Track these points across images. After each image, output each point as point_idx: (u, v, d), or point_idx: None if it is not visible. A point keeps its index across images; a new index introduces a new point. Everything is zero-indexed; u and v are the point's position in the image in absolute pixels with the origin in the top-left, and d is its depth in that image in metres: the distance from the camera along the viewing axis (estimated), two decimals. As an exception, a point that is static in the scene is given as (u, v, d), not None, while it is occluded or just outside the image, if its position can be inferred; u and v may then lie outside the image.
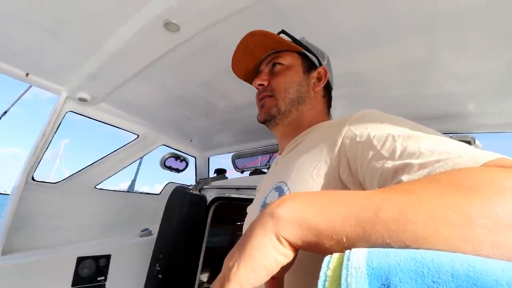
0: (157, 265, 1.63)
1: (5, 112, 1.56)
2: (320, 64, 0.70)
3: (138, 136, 1.84)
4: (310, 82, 0.68)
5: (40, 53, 1.13)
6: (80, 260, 1.57)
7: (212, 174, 2.30)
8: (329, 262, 0.22)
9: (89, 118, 1.56)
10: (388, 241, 0.22)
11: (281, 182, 0.54)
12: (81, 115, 1.52)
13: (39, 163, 1.44)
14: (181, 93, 1.42)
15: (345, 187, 0.43)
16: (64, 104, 1.39)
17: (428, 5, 0.74)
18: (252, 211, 0.70)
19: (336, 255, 0.22)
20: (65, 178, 1.63)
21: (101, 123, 1.64)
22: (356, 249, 0.22)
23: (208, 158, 2.42)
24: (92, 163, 1.71)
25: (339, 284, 0.19)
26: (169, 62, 1.13)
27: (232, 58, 0.72)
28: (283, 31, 0.71)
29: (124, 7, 0.89)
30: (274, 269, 0.26)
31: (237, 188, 1.82)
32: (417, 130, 0.38)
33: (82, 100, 1.40)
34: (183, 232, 1.76)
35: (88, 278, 1.58)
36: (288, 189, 0.51)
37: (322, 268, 0.21)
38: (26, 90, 1.58)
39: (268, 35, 0.64)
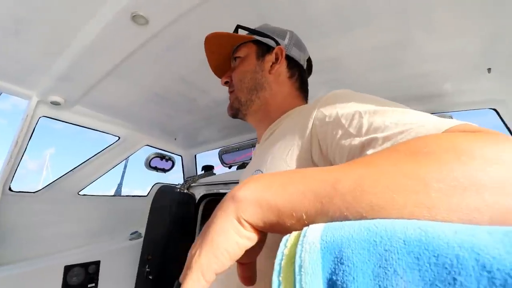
0: (147, 266, 1.61)
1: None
2: (278, 43, 0.67)
3: (119, 138, 1.79)
4: (265, 67, 0.66)
5: (3, 56, 1.08)
6: (68, 268, 1.53)
7: (200, 172, 2.27)
8: (287, 241, 0.21)
9: (65, 123, 1.50)
10: (345, 213, 0.21)
11: (258, 170, 0.54)
12: (56, 119, 1.46)
13: (15, 172, 1.38)
14: (159, 90, 1.38)
15: (315, 164, 0.44)
16: (35, 109, 1.33)
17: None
18: None
19: (294, 233, 0.21)
20: (45, 187, 1.57)
21: (79, 127, 1.59)
22: (313, 225, 0.21)
23: (195, 156, 2.39)
24: (72, 169, 1.65)
25: (294, 261, 0.18)
26: (142, 58, 1.10)
27: (209, 63, 0.75)
28: (238, 26, 0.71)
29: (88, 1, 0.85)
30: (237, 253, 0.25)
31: (225, 183, 1.81)
32: (385, 106, 0.38)
33: (55, 103, 1.34)
34: (174, 232, 1.74)
35: (78, 286, 1.55)
36: None
37: (280, 247, 0.20)
38: (-4, 97, 1.50)
39: (220, 35, 0.66)
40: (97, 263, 1.65)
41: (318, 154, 0.44)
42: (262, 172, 0.52)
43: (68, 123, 1.50)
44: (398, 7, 0.82)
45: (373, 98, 0.42)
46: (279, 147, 0.52)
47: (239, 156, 2.15)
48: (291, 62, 0.68)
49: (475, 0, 0.77)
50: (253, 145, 2.08)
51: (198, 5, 0.84)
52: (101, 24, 0.92)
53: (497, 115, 1.17)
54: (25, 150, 1.38)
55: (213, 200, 2.04)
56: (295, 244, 0.19)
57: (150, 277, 1.57)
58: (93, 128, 1.64)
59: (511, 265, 0.13)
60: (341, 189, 0.22)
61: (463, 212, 0.19)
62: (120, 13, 0.86)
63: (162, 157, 2.09)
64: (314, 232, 0.19)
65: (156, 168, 2.08)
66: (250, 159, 2.15)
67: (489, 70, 1.02)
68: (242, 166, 2.01)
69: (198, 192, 2.03)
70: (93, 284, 1.60)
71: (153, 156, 2.05)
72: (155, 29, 0.93)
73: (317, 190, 0.24)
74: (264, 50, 0.67)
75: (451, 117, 1.30)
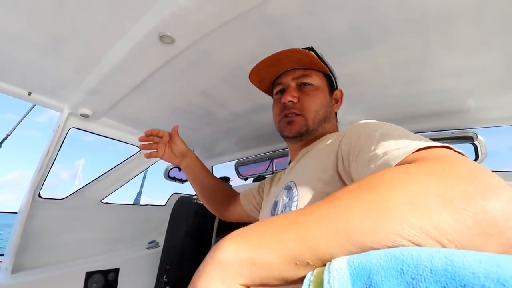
0: (165, 277, 1.62)
1: (7, 135, 1.60)
2: (336, 86, 0.78)
3: (140, 149, 1.86)
4: (332, 103, 0.76)
5: (40, 71, 1.16)
6: (89, 275, 1.57)
7: (216, 183, 2.30)
8: (313, 270, 0.22)
9: (92, 134, 1.58)
10: (351, 249, 0.23)
11: (290, 181, 0.62)
12: (84, 130, 1.55)
13: (45, 180, 1.46)
14: (180, 104, 1.44)
15: (340, 177, 0.52)
16: (66, 120, 1.41)
17: (416, 2, 0.75)
18: (263, 215, 0.76)
19: None
20: (71, 194, 1.64)
21: (105, 137, 1.67)
22: None
23: (212, 167, 2.42)
24: (96, 178, 1.72)
25: (322, 287, 0.19)
26: (166, 74, 1.15)
27: (256, 66, 0.74)
28: (312, 49, 0.74)
29: (119, 22, 0.91)
30: None
31: (241, 196, 1.82)
32: (398, 131, 0.43)
33: (84, 116, 1.42)
34: (190, 242, 1.75)
35: (97, 293, 1.58)
36: (296, 186, 0.58)
37: (307, 275, 0.21)
38: (30, 110, 1.61)
39: (308, 55, 0.68)
40: (116, 271, 1.69)
41: (341, 167, 0.52)
42: (294, 182, 0.60)
43: (95, 134, 1.58)
44: (418, 24, 0.82)
45: (390, 125, 0.47)
46: (310, 163, 0.62)
47: (255, 169, 2.17)
48: None
49: (497, 15, 0.76)
50: (269, 158, 2.09)
51: (221, 26, 0.88)
52: (130, 43, 0.98)
53: (525, 132, 1.12)
54: (55, 159, 1.46)
55: (229, 212, 2.04)
56: (321, 271, 0.20)
57: None
58: (117, 139, 1.71)
59: (538, 298, 0.14)
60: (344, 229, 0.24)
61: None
62: (148, 33, 0.92)
63: (180, 168, 2.14)
64: (340, 259, 0.20)
65: (174, 179, 2.13)
66: (265, 171, 2.16)
67: (515, 86, 0.99)
68: (258, 178, 2.02)
69: (215, 203, 2.05)
70: (112, 292, 1.64)
71: (172, 167, 2.10)
72: (180, 47, 0.98)
73: (315, 238, 0.24)
74: (332, 87, 0.77)
75: (475, 134, 1.26)
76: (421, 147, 0.34)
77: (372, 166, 0.38)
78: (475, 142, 1.22)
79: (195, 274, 0.26)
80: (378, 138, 0.42)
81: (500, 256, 0.16)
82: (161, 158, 1.07)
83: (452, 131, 1.27)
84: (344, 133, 0.57)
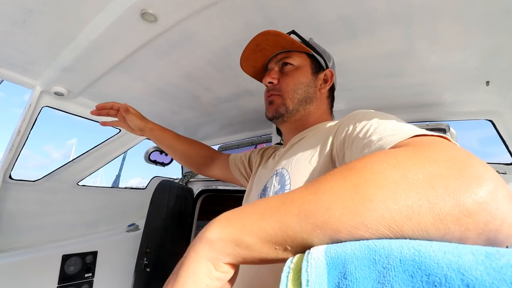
0: (145, 259, 1.63)
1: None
2: (327, 66, 0.75)
3: (120, 130, 1.80)
4: (317, 84, 0.73)
5: (10, 45, 1.08)
6: (66, 257, 1.55)
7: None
8: (293, 257, 0.23)
9: (66, 113, 1.50)
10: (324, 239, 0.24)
11: (282, 168, 0.62)
12: (59, 109, 1.47)
13: (16, 161, 1.39)
14: (163, 86, 1.39)
15: (335, 166, 0.52)
16: (39, 99, 1.33)
17: (402, -4, 0.75)
18: (252, 197, 0.76)
19: None
20: (45, 176, 1.58)
21: (81, 118, 1.59)
22: None
23: (194, 151, 2.40)
24: (72, 160, 1.66)
25: (300, 275, 0.20)
26: (148, 54, 1.11)
27: (242, 55, 0.76)
28: (293, 32, 0.74)
29: (98, -5, 0.85)
30: None
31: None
32: (395, 120, 0.43)
33: (58, 94, 1.35)
34: (171, 226, 1.76)
35: (75, 275, 1.57)
36: (288, 173, 0.58)
37: (287, 262, 0.22)
38: (-2, 85, 1.49)
39: (281, 35, 0.68)
40: (94, 254, 1.67)
41: (336, 157, 0.51)
42: (286, 169, 0.60)
43: (70, 113, 1.51)
44: (403, 17, 0.83)
45: (385, 114, 0.47)
46: (304, 151, 0.60)
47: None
48: (332, 85, 0.77)
49: (478, 13, 0.79)
50: (253, 143, 2.10)
51: (208, 6, 0.84)
52: (109, 19, 0.92)
53: (493, 127, 1.20)
54: (27, 139, 1.38)
55: (211, 196, 2.06)
56: (301, 259, 0.21)
57: (148, 270, 1.60)
58: (95, 119, 1.64)
59: (490, 285, 0.16)
60: (315, 221, 0.24)
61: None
62: (129, 9, 0.87)
63: (161, 151, 2.10)
64: (318, 248, 0.21)
65: (155, 162, 2.09)
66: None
67: (487, 83, 1.05)
68: (241, 163, 2.03)
69: (196, 187, 2.05)
70: (90, 274, 1.63)
71: (152, 150, 2.06)
72: (163, 26, 0.94)
73: (292, 226, 0.25)
74: (317, 67, 0.74)
75: (448, 126, 1.33)
76: (417, 133, 0.34)
77: (366, 151, 0.38)
78: (447, 134, 1.28)
79: (189, 247, 0.29)
80: (374, 126, 0.42)
81: (463, 247, 0.18)
82: (122, 127, 1.08)
83: (427, 122, 1.33)
84: (340, 122, 0.56)
